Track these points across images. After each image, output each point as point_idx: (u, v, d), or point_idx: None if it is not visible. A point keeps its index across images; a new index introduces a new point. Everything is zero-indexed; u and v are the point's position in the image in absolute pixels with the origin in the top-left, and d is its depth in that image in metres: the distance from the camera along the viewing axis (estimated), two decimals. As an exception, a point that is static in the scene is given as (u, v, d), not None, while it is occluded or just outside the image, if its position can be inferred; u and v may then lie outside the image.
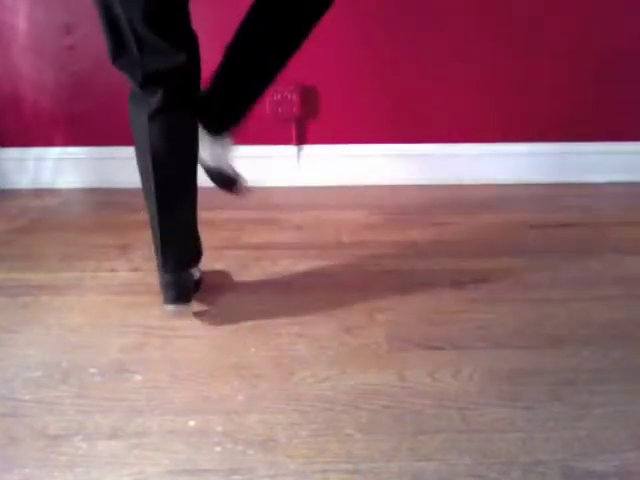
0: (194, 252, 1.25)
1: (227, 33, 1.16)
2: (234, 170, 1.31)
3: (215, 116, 1.23)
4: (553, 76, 1.95)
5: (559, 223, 1.71)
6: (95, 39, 1.94)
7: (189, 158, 1.18)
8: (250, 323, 1.20)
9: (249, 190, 1.33)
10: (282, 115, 1.95)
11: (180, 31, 1.09)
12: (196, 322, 1.21)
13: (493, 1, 1.88)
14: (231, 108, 1.24)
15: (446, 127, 2.01)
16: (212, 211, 1.79)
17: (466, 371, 1.05)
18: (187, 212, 1.21)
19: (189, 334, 1.17)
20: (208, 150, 1.25)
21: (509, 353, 1.10)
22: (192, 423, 0.93)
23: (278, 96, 1.93)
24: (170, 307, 1.18)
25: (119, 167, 2.02)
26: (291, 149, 2.01)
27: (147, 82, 1.09)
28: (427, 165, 2.03)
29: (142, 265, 1.46)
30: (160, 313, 1.24)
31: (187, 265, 1.21)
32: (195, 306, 1.24)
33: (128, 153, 2.00)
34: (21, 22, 1.90)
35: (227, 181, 1.30)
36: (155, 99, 1.09)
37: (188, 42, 1.11)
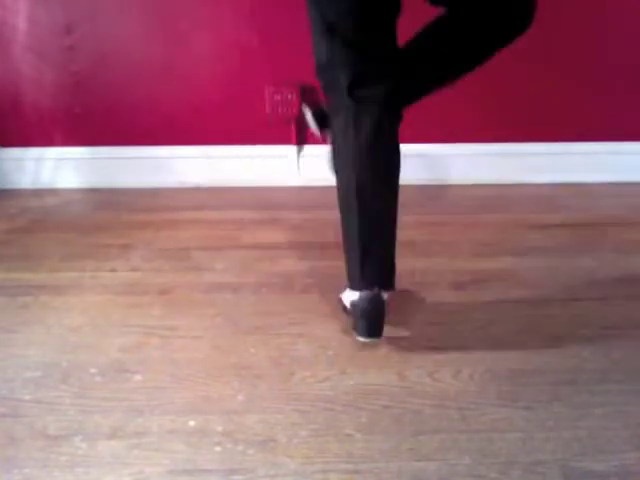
0: (392, 270, 1.14)
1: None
2: None
3: None
4: (553, 77, 1.95)
5: (559, 223, 1.71)
6: (95, 39, 1.96)
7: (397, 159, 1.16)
8: (250, 323, 1.20)
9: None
10: (282, 115, 1.95)
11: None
12: (196, 322, 1.21)
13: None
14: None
15: (447, 127, 2.01)
16: (212, 211, 1.80)
17: (466, 371, 1.05)
18: (390, 224, 1.13)
19: (189, 334, 1.17)
20: None
21: (509, 353, 1.10)
22: (192, 423, 0.93)
23: (278, 96, 1.93)
24: (361, 338, 1.09)
25: (119, 167, 2.02)
26: (291, 149, 2.01)
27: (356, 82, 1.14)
28: (427, 165, 2.03)
29: (142, 265, 1.46)
30: (160, 313, 1.24)
31: (385, 283, 1.11)
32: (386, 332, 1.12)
33: (128, 153, 2.04)
34: (21, 22, 1.90)
35: None
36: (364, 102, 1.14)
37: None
